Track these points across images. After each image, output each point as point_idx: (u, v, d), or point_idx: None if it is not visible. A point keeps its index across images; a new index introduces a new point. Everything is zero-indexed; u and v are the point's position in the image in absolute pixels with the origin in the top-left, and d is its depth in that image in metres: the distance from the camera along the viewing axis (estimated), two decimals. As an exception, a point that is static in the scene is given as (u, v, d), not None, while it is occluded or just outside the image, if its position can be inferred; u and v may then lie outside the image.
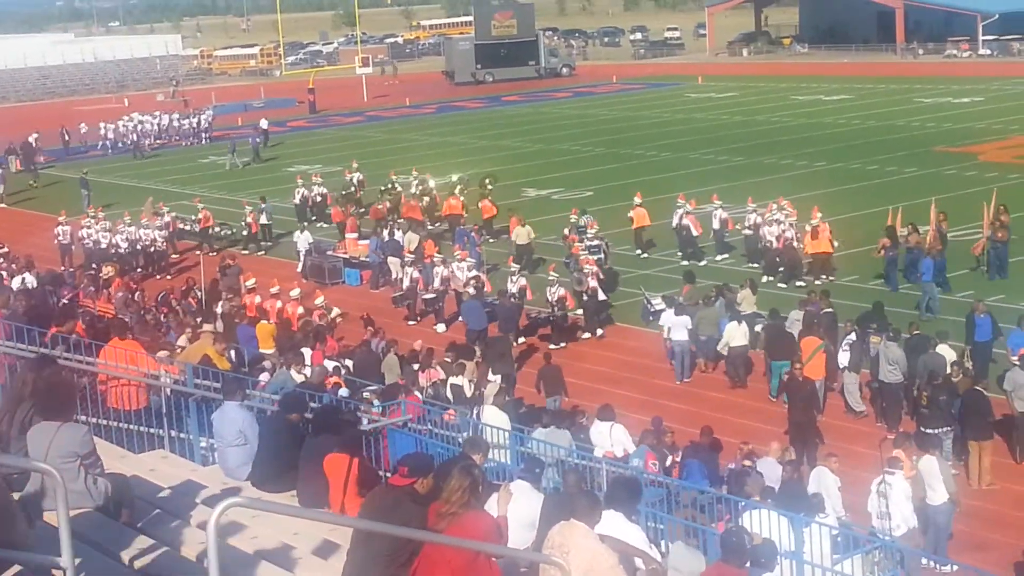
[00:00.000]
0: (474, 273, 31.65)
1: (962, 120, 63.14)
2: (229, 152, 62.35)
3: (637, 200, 37.85)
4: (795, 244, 33.64)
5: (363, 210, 43.61)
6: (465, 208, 40.72)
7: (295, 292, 30.12)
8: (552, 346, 28.24)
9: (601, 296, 30.63)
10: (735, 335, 26.38)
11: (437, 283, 32.17)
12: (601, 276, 31.16)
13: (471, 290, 30.01)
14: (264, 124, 68.88)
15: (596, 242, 34.00)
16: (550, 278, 30.62)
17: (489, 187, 42.61)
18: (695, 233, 36.39)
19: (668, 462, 18.97)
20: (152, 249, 40.07)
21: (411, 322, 32.37)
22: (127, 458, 12.88)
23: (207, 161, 64.37)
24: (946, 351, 23.26)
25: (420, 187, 43.93)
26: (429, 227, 39.61)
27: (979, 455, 20.66)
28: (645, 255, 37.30)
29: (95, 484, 9.85)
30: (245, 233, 42.30)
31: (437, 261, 32.82)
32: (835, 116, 68.18)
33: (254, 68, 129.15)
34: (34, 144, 65.11)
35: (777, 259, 33.95)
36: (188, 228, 42.92)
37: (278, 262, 39.67)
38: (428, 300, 32.56)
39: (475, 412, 19.90)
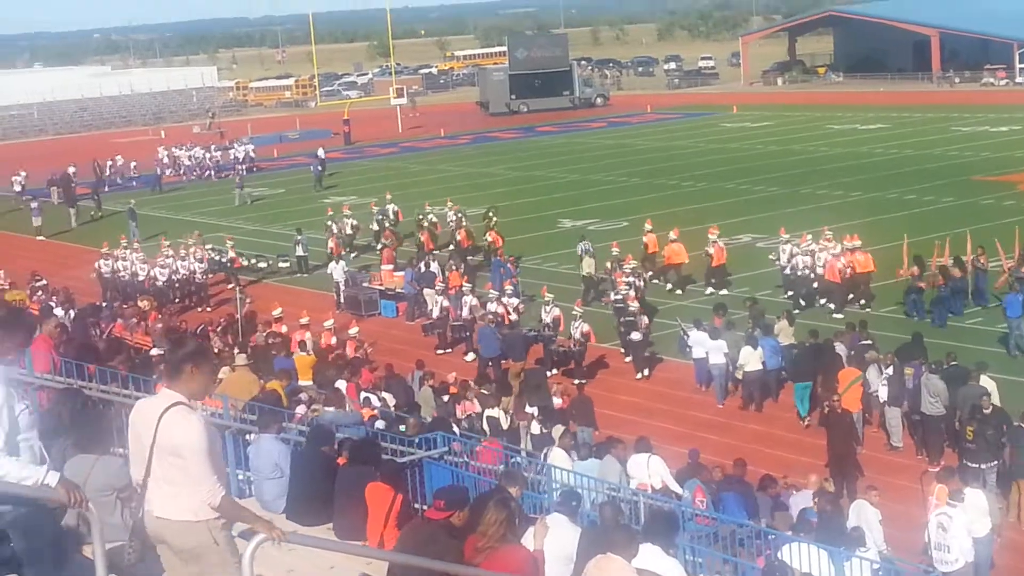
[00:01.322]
0: (515, 301, 31.72)
1: (1000, 149, 62.73)
2: (237, 188, 61.41)
3: (673, 235, 37.40)
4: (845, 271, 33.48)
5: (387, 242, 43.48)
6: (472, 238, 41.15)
7: (328, 323, 30.19)
8: (577, 381, 27.97)
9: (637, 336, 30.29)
10: (750, 359, 26.68)
11: (466, 312, 32.34)
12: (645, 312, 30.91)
13: (489, 317, 30.53)
14: (321, 153, 68.99)
15: (631, 278, 33.01)
16: (544, 301, 31.04)
17: (493, 218, 42.83)
18: (718, 262, 36.59)
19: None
20: (191, 282, 40.19)
21: (440, 351, 32.47)
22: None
23: (245, 191, 64.55)
24: (987, 382, 23.08)
25: (455, 217, 43.94)
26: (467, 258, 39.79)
27: (1020, 491, 20.42)
28: (679, 291, 36.85)
29: (131, 517, 9.83)
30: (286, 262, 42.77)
31: (465, 291, 33.12)
32: (871, 145, 67.92)
33: (289, 100, 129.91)
34: (72, 176, 65.68)
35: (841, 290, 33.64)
36: (224, 261, 43.18)
37: (313, 293, 39.78)
38: (456, 328, 32.79)
39: (543, 454, 19.69)
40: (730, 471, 19.87)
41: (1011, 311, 28.96)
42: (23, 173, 66.29)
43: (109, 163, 72.54)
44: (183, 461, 7.52)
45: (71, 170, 66.17)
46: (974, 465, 20.09)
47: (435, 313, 33.43)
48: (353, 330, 29.70)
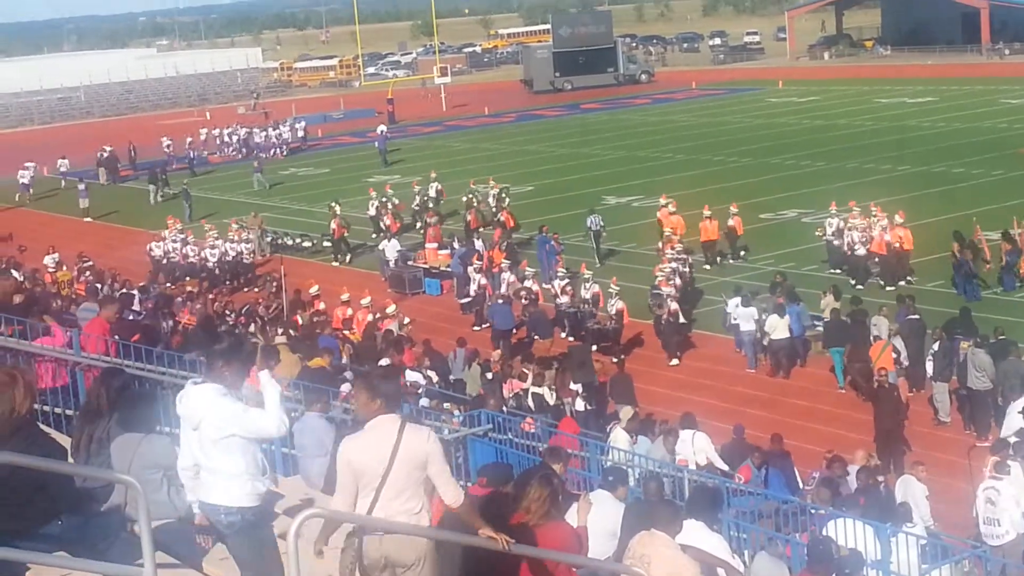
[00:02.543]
0: (562, 282, 31.82)
1: (1051, 121, 62.14)
2: (256, 172, 60.59)
3: (706, 212, 37.35)
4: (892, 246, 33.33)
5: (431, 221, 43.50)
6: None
7: (366, 300, 30.24)
8: (614, 359, 27.87)
9: (682, 319, 30.03)
10: (777, 327, 27.42)
11: (503, 289, 32.49)
12: (677, 298, 30.40)
13: (520, 297, 30.90)
14: (384, 130, 69.09)
15: (674, 264, 32.29)
16: (584, 280, 31.20)
17: (505, 199, 43.00)
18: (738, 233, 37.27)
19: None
20: (239, 263, 40.41)
21: (477, 328, 32.59)
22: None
23: (288, 172, 64.89)
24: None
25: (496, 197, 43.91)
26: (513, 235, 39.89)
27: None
28: (707, 266, 36.76)
29: (178, 495, 9.93)
30: (325, 242, 42.97)
31: (504, 268, 33.33)
32: (919, 119, 67.34)
33: (333, 80, 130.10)
34: (109, 156, 66.55)
35: (870, 264, 33.67)
36: (285, 242, 43.54)
37: (357, 272, 39.93)
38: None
39: (608, 434, 19.69)
40: (768, 446, 19.77)
41: None
42: (66, 159, 67.04)
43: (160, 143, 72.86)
44: (421, 473, 7.97)
45: (108, 150, 67.00)
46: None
47: (472, 290, 33.55)
48: (391, 308, 29.77)
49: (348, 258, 42.26)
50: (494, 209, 43.00)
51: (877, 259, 33.46)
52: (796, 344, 27.87)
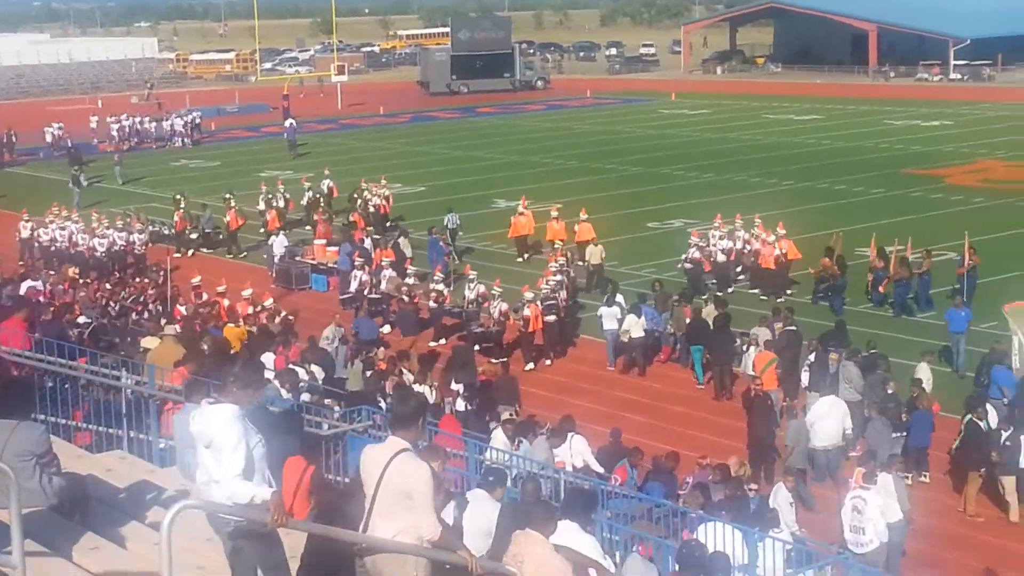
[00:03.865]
0: (441, 287, 31.76)
1: (931, 143, 63.62)
2: (116, 165, 59.25)
3: (554, 213, 38.81)
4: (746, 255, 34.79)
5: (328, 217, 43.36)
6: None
7: (246, 292, 30.01)
8: (493, 361, 27.67)
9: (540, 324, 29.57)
10: (634, 326, 28.47)
11: (383, 286, 32.62)
12: (559, 310, 30.30)
13: (404, 298, 30.91)
14: (290, 122, 69.13)
15: (559, 276, 31.73)
16: (469, 281, 31.33)
17: (357, 199, 43.54)
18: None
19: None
20: (129, 253, 39.60)
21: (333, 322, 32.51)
22: (84, 458, 12.84)
23: (179, 164, 64.15)
24: (923, 370, 23.77)
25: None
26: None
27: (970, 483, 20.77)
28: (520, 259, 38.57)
29: (50, 483, 9.83)
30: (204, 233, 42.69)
31: (385, 265, 33.43)
32: (805, 136, 68.53)
33: (229, 73, 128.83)
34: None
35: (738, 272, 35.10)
36: (167, 232, 43.03)
37: (244, 266, 39.64)
38: (373, 301, 32.95)
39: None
40: (662, 460, 19.81)
41: (955, 326, 27.52)
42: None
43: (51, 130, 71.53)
44: (410, 501, 8.39)
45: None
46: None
47: (353, 287, 33.60)
48: (268, 301, 29.58)
49: (235, 251, 41.96)
50: (372, 208, 43.17)
51: (741, 270, 34.96)
52: (648, 343, 28.96)
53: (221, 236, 43.12)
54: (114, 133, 72.71)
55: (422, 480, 8.40)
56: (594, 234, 36.74)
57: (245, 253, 41.90)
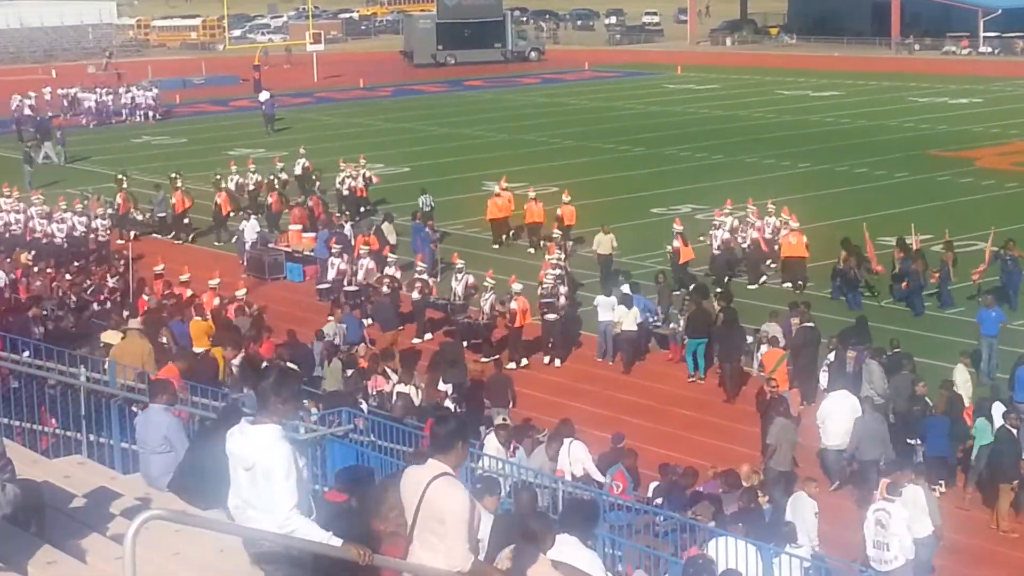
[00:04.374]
0: (425, 277, 31.74)
1: (959, 122, 63.54)
2: (55, 143, 58.55)
3: (531, 194, 39.32)
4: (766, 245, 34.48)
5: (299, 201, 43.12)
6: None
7: (214, 282, 29.82)
8: (484, 359, 27.81)
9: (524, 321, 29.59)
10: (626, 319, 28.53)
11: (361, 276, 32.61)
12: (559, 305, 30.03)
13: (384, 288, 30.85)
14: (266, 95, 68.89)
15: (558, 270, 31.67)
16: (485, 283, 30.55)
17: (276, 180, 43.79)
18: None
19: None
20: (91, 239, 39.05)
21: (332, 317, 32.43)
22: (40, 463, 12.78)
23: (141, 141, 63.99)
24: (961, 372, 23.74)
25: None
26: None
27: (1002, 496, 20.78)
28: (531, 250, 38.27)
29: (3, 490, 9.77)
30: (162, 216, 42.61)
31: (364, 254, 33.26)
32: (823, 114, 68.50)
33: (195, 41, 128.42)
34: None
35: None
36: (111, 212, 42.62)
37: (215, 253, 39.55)
38: (350, 293, 32.69)
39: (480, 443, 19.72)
40: (676, 478, 19.52)
41: (987, 329, 27.12)
42: None
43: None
44: (443, 527, 8.48)
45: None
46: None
47: (330, 276, 33.50)
48: (240, 292, 29.47)
49: (188, 236, 41.89)
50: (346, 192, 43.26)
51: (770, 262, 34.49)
52: (641, 337, 29.03)
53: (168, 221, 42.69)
54: (66, 104, 72.37)
55: (459, 506, 8.45)
56: (575, 219, 37.31)
57: (191, 237, 41.78)
